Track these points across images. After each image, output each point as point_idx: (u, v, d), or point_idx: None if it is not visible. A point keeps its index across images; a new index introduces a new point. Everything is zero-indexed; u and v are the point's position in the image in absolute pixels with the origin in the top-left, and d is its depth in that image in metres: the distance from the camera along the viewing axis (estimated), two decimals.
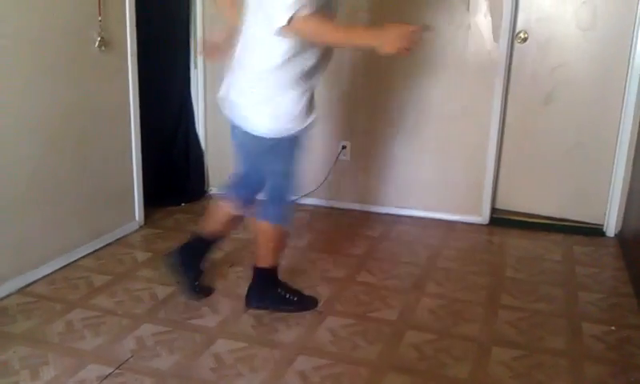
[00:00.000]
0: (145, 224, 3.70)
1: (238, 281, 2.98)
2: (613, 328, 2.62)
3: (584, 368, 2.32)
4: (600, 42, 3.58)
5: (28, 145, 2.81)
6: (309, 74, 2.34)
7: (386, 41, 2.16)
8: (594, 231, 3.76)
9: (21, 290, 2.79)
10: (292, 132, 2.37)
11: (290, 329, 2.54)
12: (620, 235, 3.67)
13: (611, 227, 3.73)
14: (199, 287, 2.79)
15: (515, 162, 3.89)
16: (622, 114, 3.58)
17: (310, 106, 2.40)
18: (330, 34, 2.22)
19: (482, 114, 3.77)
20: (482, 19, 3.65)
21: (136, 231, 3.61)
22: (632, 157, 3.56)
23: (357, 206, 4.15)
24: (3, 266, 2.73)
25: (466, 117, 3.82)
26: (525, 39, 3.69)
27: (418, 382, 2.20)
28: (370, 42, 2.24)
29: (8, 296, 2.73)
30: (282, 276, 2.75)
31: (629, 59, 3.51)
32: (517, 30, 3.69)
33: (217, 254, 3.29)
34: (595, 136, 3.69)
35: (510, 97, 3.79)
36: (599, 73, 3.61)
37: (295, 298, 2.73)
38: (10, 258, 2.77)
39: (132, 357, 2.29)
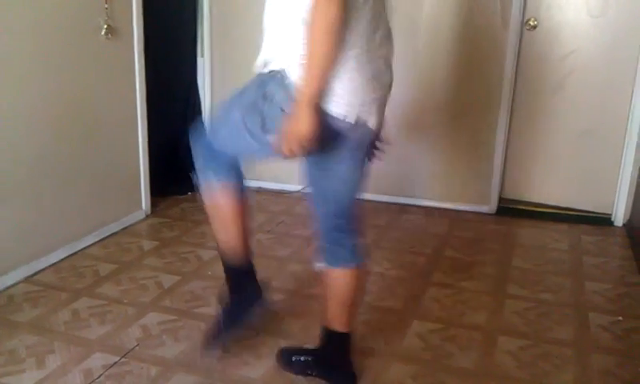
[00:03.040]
0: (151, 213, 3.71)
1: None
2: (620, 318, 2.61)
3: (591, 358, 2.30)
4: (611, 29, 3.53)
5: (33, 133, 2.81)
6: None
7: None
8: (602, 220, 3.74)
9: (27, 279, 2.80)
10: None
11: (297, 319, 2.54)
12: (628, 225, 3.64)
13: (619, 216, 3.71)
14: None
15: (523, 150, 3.87)
16: (632, 102, 3.54)
17: None
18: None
19: (490, 102, 3.74)
20: (491, 6, 3.61)
21: (142, 220, 3.62)
22: None
23: (363, 195, 4.13)
24: (10, 255, 2.74)
25: (473, 105, 3.79)
26: (534, 26, 3.65)
27: (424, 371, 2.19)
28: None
29: (14, 285, 2.74)
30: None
31: None
32: (526, 17, 3.65)
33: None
34: (604, 124, 3.65)
35: (518, 85, 3.76)
36: (610, 60, 3.57)
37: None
38: (17, 247, 2.78)
39: (138, 345, 2.30)
